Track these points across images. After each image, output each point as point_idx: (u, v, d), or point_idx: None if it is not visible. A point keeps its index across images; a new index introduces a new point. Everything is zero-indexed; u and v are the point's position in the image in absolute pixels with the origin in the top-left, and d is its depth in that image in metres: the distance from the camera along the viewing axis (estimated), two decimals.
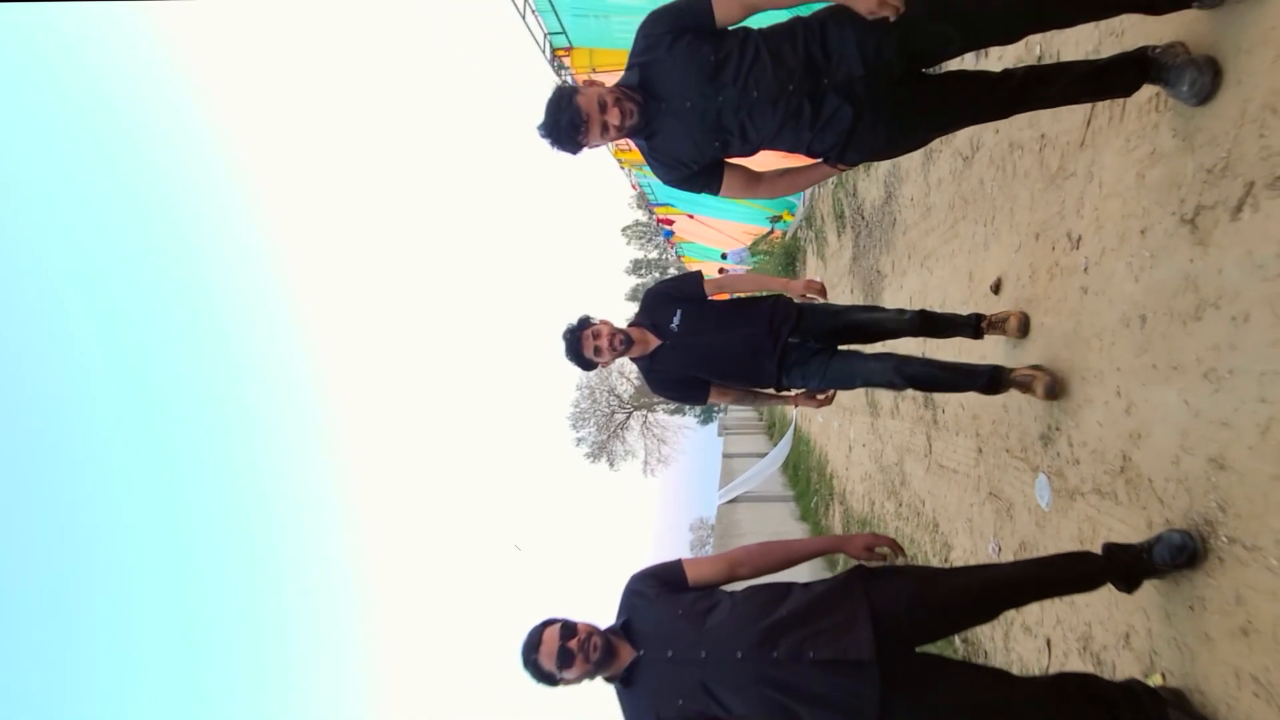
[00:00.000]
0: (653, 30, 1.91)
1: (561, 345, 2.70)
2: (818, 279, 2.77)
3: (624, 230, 44.81)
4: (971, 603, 1.86)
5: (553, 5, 8.09)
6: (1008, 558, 3.24)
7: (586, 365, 2.69)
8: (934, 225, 4.52)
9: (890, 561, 2.02)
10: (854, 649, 1.70)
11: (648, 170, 10.48)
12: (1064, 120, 2.69)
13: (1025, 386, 2.65)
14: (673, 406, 34.81)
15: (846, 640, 1.72)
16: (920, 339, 2.95)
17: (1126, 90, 1.98)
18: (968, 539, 3.84)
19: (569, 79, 9.34)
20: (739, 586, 1.99)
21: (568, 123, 1.92)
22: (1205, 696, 1.82)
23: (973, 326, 2.86)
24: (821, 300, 2.78)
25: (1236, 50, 1.73)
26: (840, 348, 2.77)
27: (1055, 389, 2.59)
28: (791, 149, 1.99)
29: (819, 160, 2.04)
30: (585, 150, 2.03)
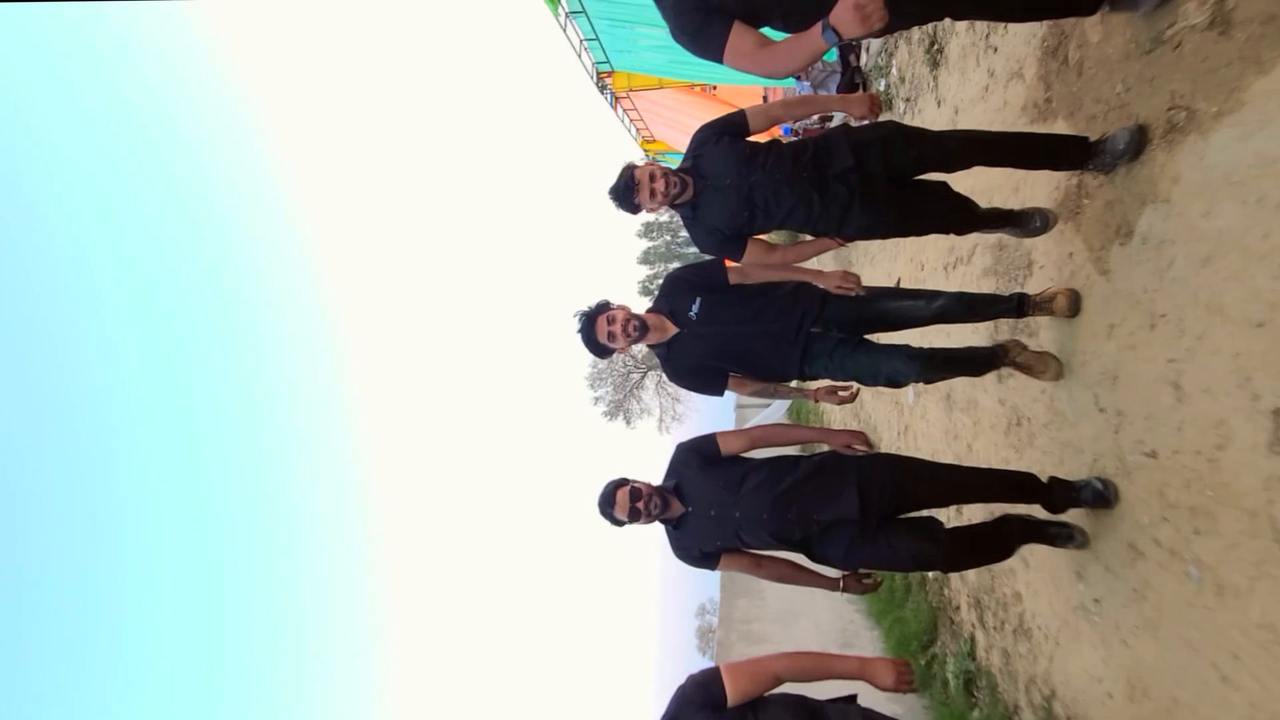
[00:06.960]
0: (704, 134, 2.55)
1: (577, 331, 2.63)
2: (853, 273, 2.60)
3: None
4: (930, 488, 2.42)
5: (600, 43, 10.47)
6: (907, 440, 5.72)
7: (601, 351, 2.66)
8: None
9: (863, 453, 2.50)
10: (846, 511, 2.29)
11: (668, 160, 12.86)
12: None
13: (1028, 369, 2.73)
14: None
15: (840, 504, 2.29)
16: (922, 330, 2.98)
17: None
18: (888, 433, 6.36)
19: (610, 93, 11.98)
20: (757, 454, 2.55)
21: (624, 186, 2.50)
22: None
23: (1016, 306, 2.66)
24: (854, 294, 2.58)
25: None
26: (866, 337, 2.70)
27: (1059, 370, 2.68)
28: (799, 228, 2.54)
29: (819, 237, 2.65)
30: (643, 212, 2.55)
